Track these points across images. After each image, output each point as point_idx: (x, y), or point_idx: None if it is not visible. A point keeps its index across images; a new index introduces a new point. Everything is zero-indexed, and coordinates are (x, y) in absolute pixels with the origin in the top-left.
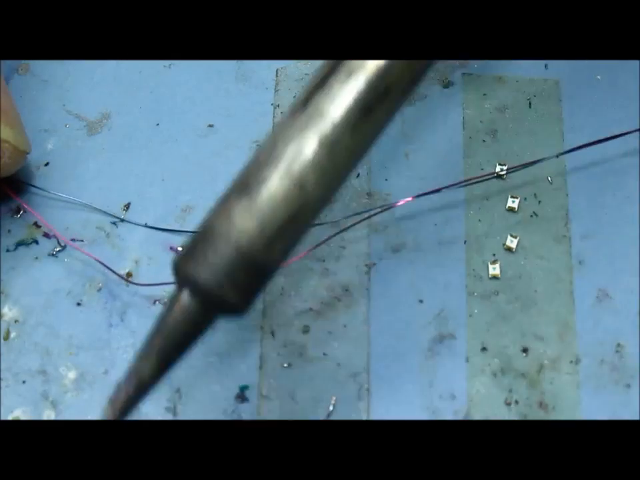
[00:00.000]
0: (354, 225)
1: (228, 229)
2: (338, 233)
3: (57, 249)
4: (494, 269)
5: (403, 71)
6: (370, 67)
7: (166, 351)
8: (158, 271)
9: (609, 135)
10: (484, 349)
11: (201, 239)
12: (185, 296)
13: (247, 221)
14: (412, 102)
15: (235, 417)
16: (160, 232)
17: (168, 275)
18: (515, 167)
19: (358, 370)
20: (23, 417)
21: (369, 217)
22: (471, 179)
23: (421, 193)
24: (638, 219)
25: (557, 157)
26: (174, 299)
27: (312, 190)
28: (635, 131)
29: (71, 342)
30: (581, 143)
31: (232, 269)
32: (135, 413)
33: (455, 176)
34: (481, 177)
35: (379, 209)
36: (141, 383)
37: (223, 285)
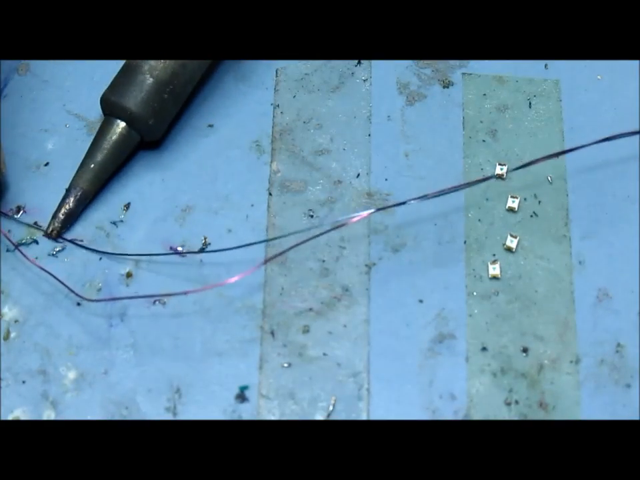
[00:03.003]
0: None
1: (148, 63)
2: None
3: (57, 249)
4: (494, 269)
5: None
6: None
7: (102, 165)
8: (158, 271)
9: (609, 135)
10: (484, 348)
11: (123, 75)
12: (116, 122)
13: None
14: (412, 102)
15: (235, 417)
16: (160, 232)
17: (167, 275)
18: (516, 167)
19: (358, 370)
20: (23, 417)
21: (337, 227)
22: (458, 186)
23: (417, 196)
24: (638, 219)
25: (558, 156)
26: (106, 126)
27: None
28: (636, 132)
29: (70, 342)
30: (581, 143)
31: (152, 97)
32: (135, 411)
33: (455, 176)
34: (473, 181)
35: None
36: (82, 194)
37: (144, 109)
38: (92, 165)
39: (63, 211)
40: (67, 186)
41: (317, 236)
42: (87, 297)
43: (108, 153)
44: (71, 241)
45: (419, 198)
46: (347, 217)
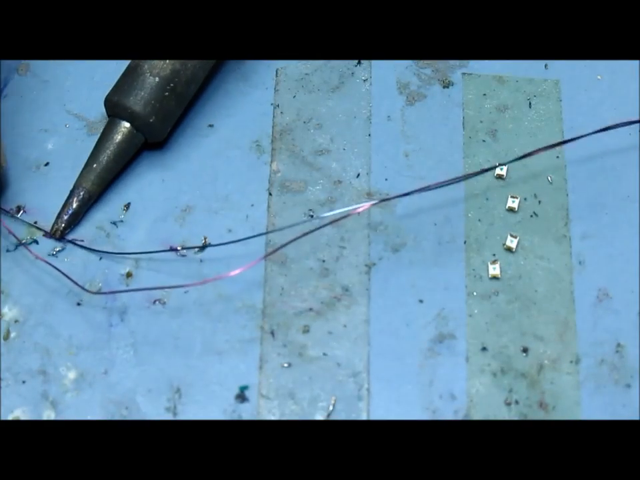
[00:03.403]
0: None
1: (150, 64)
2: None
3: (57, 249)
4: (494, 269)
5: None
6: None
7: (106, 166)
8: (158, 271)
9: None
10: (484, 348)
11: (124, 76)
12: (120, 122)
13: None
14: (412, 102)
15: (235, 417)
16: (160, 232)
17: (167, 274)
18: (511, 161)
19: (358, 370)
20: (23, 417)
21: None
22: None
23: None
24: (638, 218)
25: (554, 146)
26: (110, 126)
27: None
28: (636, 122)
29: (70, 342)
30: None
31: (154, 97)
32: (135, 411)
33: (455, 176)
34: (467, 175)
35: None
36: (86, 194)
37: (144, 107)
38: (95, 166)
39: (66, 211)
40: (67, 186)
41: (318, 229)
42: (89, 296)
43: (112, 153)
44: (71, 242)
45: (421, 189)
46: (347, 209)
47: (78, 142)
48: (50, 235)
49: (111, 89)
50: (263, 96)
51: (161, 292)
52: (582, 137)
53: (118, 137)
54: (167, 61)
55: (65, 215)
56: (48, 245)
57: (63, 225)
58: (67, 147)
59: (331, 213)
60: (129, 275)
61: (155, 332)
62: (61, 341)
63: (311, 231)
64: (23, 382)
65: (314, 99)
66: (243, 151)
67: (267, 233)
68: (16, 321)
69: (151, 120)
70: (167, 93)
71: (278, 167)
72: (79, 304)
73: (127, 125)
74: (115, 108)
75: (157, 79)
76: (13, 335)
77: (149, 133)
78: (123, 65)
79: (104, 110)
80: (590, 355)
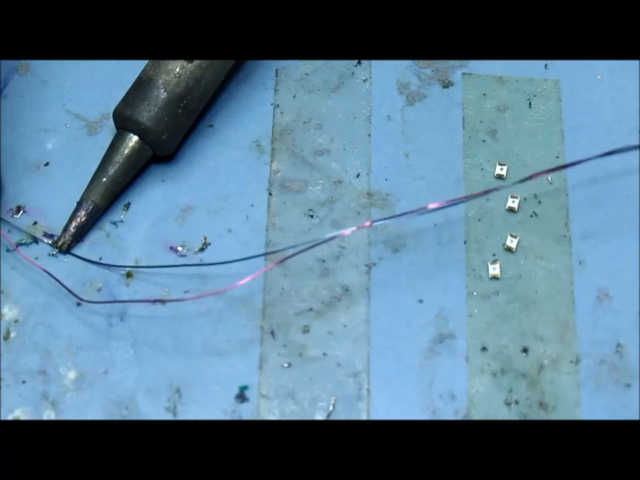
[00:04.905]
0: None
1: (157, 73)
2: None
3: (57, 249)
4: (494, 269)
5: None
6: None
7: (114, 179)
8: (158, 270)
9: (608, 135)
10: (484, 348)
11: (136, 89)
12: (129, 135)
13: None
14: (412, 102)
15: (235, 417)
16: (160, 232)
17: (167, 274)
18: (520, 180)
19: (358, 370)
20: (23, 417)
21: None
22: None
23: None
24: (638, 219)
25: (560, 169)
26: (119, 139)
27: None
28: (635, 147)
29: (70, 342)
30: (580, 143)
31: (167, 114)
32: (135, 411)
33: (455, 176)
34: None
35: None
36: (94, 207)
37: (157, 124)
38: (104, 179)
39: (74, 224)
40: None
41: (317, 245)
42: (85, 299)
43: (120, 167)
44: (73, 254)
45: (418, 210)
46: (339, 232)
47: (78, 142)
48: (56, 247)
49: (121, 100)
50: (263, 96)
51: (161, 292)
52: (584, 161)
53: (127, 151)
54: (181, 77)
55: (73, 228)
56: (48, 245)
57: (70, 238)
58: (67, 147)
59: (336, 233)
60: (129, 275)
61: (155, 332)
62: (60, 341)
63: (315, 245)
64: (23, 382)
65: (314, 99)
66: (243, 151)
67: (267, 254)
68: (16, 321)
69: (163, 137)
70: (180, 110)
71: (278, 167)
72: (79, 304)
73: (137, 139)
74: (126, 122)
75: (170, 96)
76: (13, 335)
77: (158, 147)
78: (123, 65)
79: (104, 110)
80: (590, 355)
